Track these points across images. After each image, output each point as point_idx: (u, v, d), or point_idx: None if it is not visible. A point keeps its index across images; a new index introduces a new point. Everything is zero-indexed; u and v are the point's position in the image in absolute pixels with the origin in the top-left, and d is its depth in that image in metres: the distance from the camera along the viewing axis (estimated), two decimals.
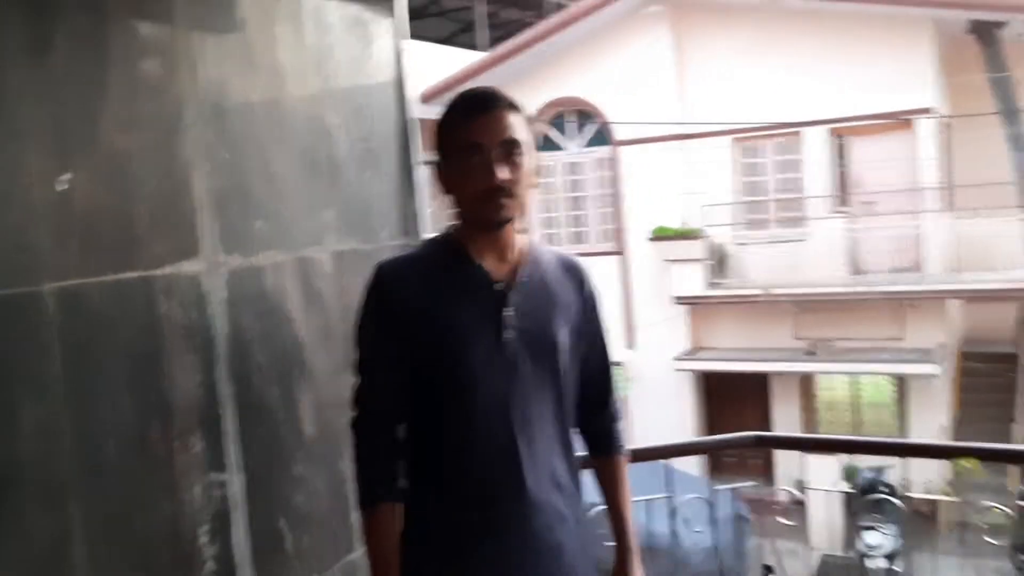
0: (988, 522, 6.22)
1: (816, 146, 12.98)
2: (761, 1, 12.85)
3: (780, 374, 13.23)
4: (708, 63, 13.28)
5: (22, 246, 1.41)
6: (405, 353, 1.64)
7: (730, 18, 13.26)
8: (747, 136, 13.42)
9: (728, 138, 13.40)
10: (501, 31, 19.54)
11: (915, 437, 12.40)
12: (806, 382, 13.51)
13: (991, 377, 13.05)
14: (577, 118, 14.50)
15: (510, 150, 1.60)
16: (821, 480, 10.82)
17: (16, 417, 1.39)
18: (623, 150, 14.01)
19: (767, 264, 12.91)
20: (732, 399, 13.61)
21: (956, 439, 11.90)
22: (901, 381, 12.84)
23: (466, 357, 1.62)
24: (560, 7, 17.06)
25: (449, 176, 1.66)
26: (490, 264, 1.67)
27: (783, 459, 12.62)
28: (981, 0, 12.21)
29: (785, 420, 13.40)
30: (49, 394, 1.44)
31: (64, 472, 1.45)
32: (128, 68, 1.59)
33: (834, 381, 13.48)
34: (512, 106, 1.65)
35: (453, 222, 1.72)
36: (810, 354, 12.78)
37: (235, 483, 1.75)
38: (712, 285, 13.15)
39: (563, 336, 1.71)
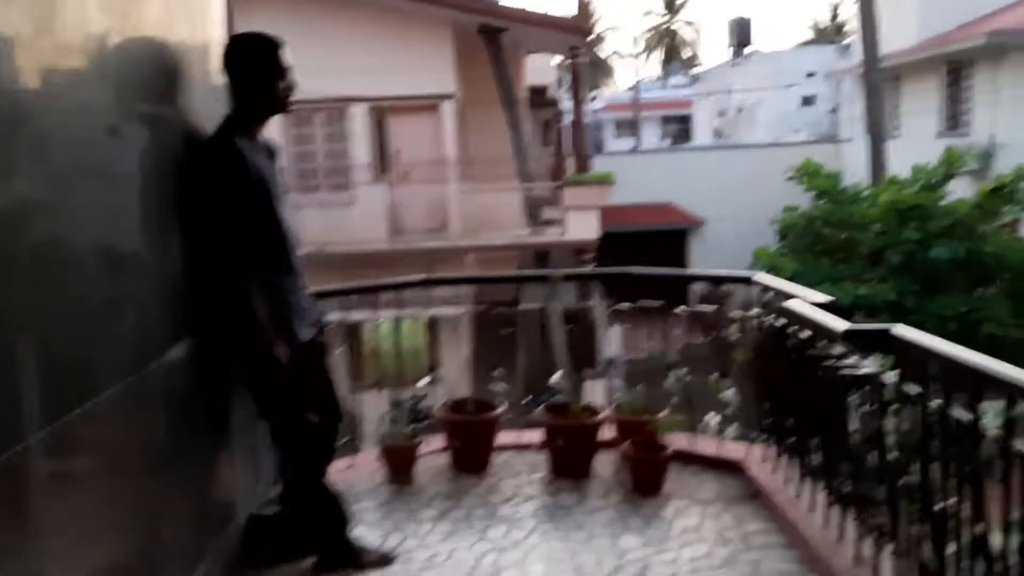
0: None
1: (359, 121, 14.66)
2: None
3: (332, 326, 14.67)
4: None
5: None
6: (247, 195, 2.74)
7: None
8: (295, 108, 14.55)
9: None
10: None
11: (445, 368, 14.84)
12: (353, 332, 15.16)
13: (499, 316, 16.00)
14: None
15: None
16: (373, 415, 12.50)
17: None
18: None
19: (319, 226, 14.25)
20: None
21: (475, 369, 14.55)
22: (434, 324, 15.15)
23: (276, 191, 2.85)
24: None
25: (271, 84, 2.86)
26: (261, 138, 2.93)
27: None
28: (484, 7, 14.94)
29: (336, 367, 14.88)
30: None
31: None
32: None
33: (379, 330, 15.33)
34: None
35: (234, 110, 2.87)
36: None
37: None
38: None
39: None
